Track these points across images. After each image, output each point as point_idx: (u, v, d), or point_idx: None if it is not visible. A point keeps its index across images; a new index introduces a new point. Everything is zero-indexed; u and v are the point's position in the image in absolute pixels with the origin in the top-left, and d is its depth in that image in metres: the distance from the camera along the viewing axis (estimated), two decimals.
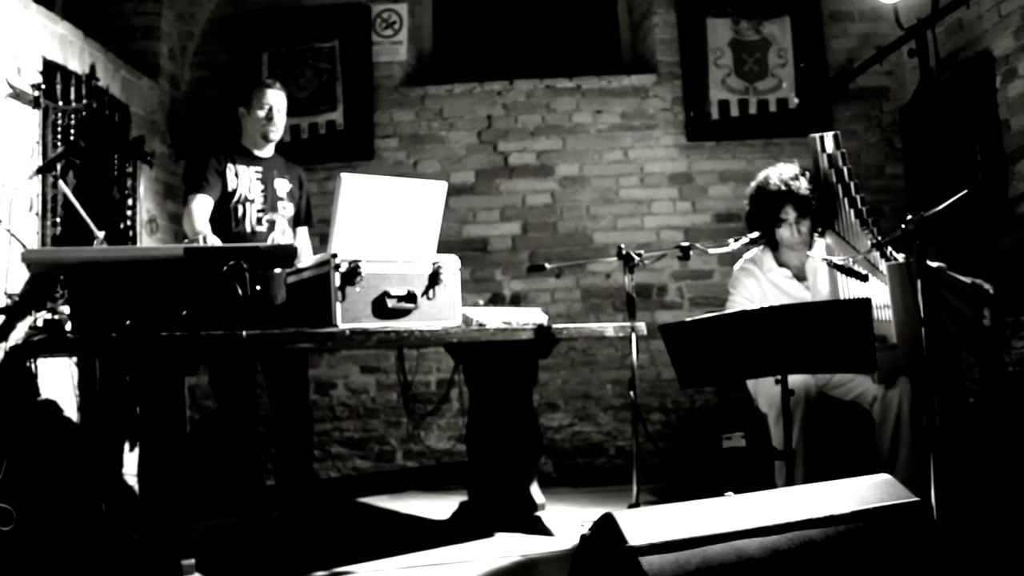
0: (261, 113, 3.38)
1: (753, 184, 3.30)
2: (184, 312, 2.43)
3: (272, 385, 3.38)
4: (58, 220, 3.50)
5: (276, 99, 3.42)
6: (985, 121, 3.88)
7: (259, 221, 3.38)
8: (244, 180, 3.38)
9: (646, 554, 1.57)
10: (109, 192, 3.96)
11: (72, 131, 3.63)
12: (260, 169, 3.43)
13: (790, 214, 3.18)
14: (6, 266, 3.07)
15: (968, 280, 2.88)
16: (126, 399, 3.14)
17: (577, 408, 4.70)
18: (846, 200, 3.10)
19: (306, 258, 3.29)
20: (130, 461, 3.09)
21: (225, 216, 3.32)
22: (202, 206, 3.26)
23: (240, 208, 3.35)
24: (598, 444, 4.68)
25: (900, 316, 2.80)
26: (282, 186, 3.47)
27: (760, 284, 3.31)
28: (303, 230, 3.58)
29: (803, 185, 3.16)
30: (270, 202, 3.42)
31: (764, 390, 3.06)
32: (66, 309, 2.64)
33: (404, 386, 4.38)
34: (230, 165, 3.37)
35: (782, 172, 3.21)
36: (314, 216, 3.65)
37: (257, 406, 3.37)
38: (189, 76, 4.91)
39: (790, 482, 2.52)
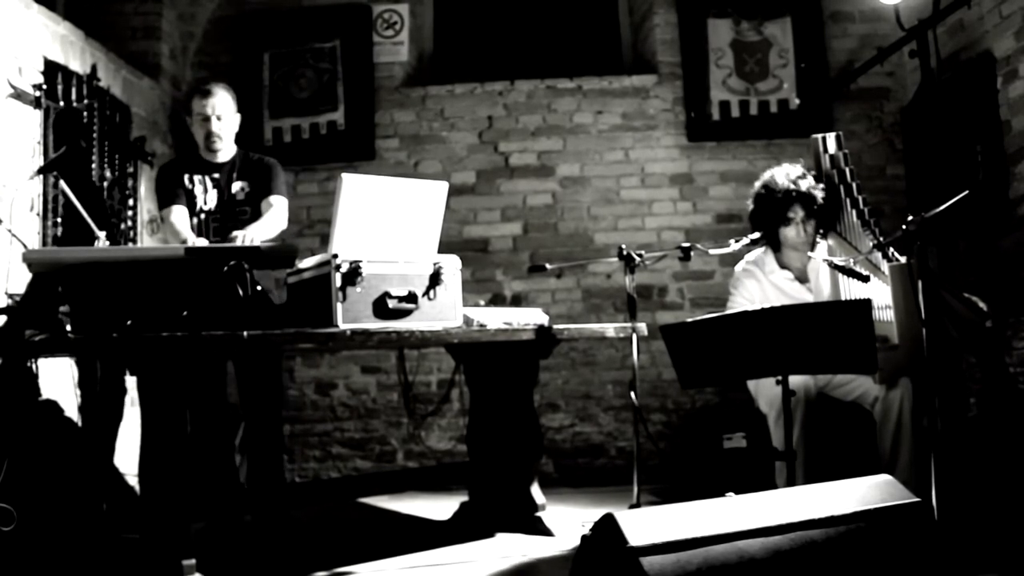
0: (196, 123, 3.36)
1: (759, 183, 3.29)
2: (184, 312, 2.43)
3: (243, 386, 3.32)
4: (59, 220, 3.50)
5: (204, 106, 3.33)
6: (986, 122, 3.87)
7: (215, 232, 3.32)
8: (200, 190, 3.36)
9: (647, 554, 1.57)
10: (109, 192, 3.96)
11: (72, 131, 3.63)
12: (216, 175, 3.38)
13: (798, 213, 3.18)
14: (7, 266, 3.07)
15: (966, 296, 2.89)
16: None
17: (578, 408, 4.70)
18: (848, 201, 3.11)
19: (269, 222, 3.28)
20: (130, 461, 3.09)
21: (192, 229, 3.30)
22: (180, 217, 3.28)
23: (196, 220, 3.33)
24: (599, 444, 4.68)
25: (902, 317, 2.80)
26: (239, 189, 3.39)
27: (761, 285, 3.30)
28: (273, 198, 3.36)
29: (810, 184, 3.17)
30: (227, 210, 3.36)
31: (765, 390, 3.05)
32: (66, 309, 2.63)
33: (405, 386, 4.38)
34: (186, 176, 3.36)
35: (789, 172, 3.21)
36: (282, 187, 3.41)
37: (227, 409, 3.33)
38: (190, 76, 4.91)
39: (791, 483, 2.52)
